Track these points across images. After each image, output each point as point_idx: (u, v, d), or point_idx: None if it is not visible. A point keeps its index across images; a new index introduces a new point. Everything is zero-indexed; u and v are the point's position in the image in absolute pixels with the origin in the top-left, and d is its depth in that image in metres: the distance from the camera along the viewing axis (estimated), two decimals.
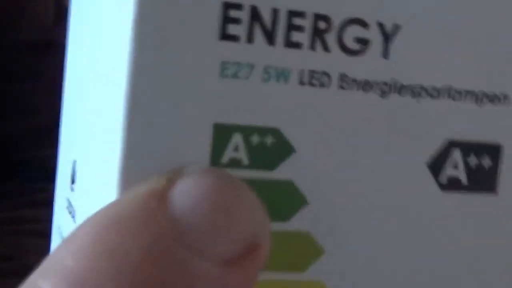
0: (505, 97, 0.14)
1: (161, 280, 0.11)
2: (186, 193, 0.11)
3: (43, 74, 0.32)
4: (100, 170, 0.13)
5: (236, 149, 0.13)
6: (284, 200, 0.13)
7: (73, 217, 0.16)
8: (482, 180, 0.14)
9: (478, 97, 0.14)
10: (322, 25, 0.13)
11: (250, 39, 0.13)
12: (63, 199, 0.17)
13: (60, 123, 0.18)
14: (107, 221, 0.11)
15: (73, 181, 0.16)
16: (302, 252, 0.13)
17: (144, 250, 0.11)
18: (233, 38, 0.12)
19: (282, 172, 0.13)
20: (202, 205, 0.11)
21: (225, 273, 0.11)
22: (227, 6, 0.12)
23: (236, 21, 0.12)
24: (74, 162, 0.16)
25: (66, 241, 0.11)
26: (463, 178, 0.14)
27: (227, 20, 0.12)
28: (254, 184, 0.13)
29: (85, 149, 0.15)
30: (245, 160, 0.13)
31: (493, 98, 0.14)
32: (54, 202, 0.18)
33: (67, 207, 0.16)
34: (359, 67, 0.13)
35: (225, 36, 0.12)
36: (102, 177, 0.13)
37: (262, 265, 0.12)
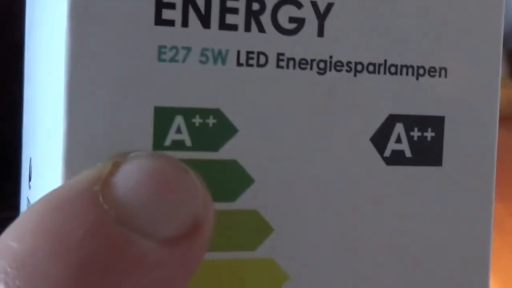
0: (444, 69, 0.14)
1: (102, 258, 0.11)
2: (129, 176, 0.12)
3: None
4: (48, 163, 0.14)
5: (178, 131, 0.13)
6: (229, 180, 0.13)
7: None
8: (427, 153, 0.14)
9: (416, 71, 0.14)
10: (256, 6, 0.13)
11: (185, 23, 0.13)
12: (24, 199, 0.17)
13: None
14: (50, 205, 0.12)
15: (30, 179, 0.16)
16: (251, 230, 0.13)
17: (86, 230, 0.11)
18: (169, 22, 0.13)
19: (226, 152, 0.13)
20: (144, 186, 0.12)
21: (167, 252, 0.11)
22: None
23: (170, 5, 0.13)
24: (30, 160, 0.16)
25: (11, 226, 0.12)
26: (407, 151, 0.14)
27: (161, 5, 0.13)
28: (198, 165, 0.13)
29: (37, 144, 0.15)
30: (188, 141, 0.13)
31: (432, 72, 0.14)
32: None
33: (27, 205, 0.16)
34: (295, 46, 0.13)
35: (160, 21, 0.13)
36: (49, 169, 0.13)
37: (205, 245, 0.12)
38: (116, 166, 0.12)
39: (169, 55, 0.13)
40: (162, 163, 0.12)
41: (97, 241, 0.11)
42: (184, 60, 0.13)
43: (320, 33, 0.14)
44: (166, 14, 0.13)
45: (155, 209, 0.11)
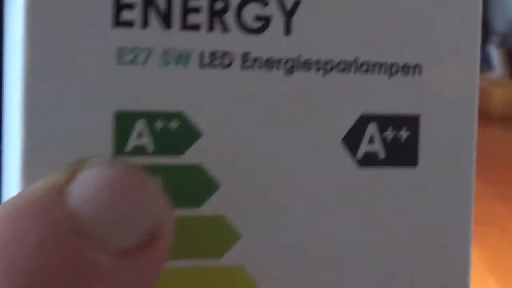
0: (418, 66, 0.14)
1: (54, 269, 0.11)
2: (85, 185, 0.11)
3: None
4: (10, 170, 0.13)
5: (140, 135, 0.13)
6: (195, 185, 0.13)
7: None
8: (401, 153, 0.14)
9: (389, 69, 0.14)
10: (219, 5, 0.13)
11: (145, 23, 0.12)
12: None
13: None
14: (4, 215, 0.11)
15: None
16: (218, 237, 0.13)
17: (39, 240, 0.11)
18: (128, 23, 0.12)
19: (190, 156, 0.13)
20: (100, 195, 0.11)
21: (121, 264, 0.11)
22: None
23: (129, 6, 0.12)
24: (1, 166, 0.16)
25: None
26: (380, 152, 0.14)
27: (120, 6, 0.12)
28: (161, 170, 0.13)
29: (4, 151, 0.15)
30: (150, 146, 0.13)
31: (405, 69, 0.14)
32: None
33: None
34: (261, 46, 0.13)
35: (120, 23, 0.12)
36: (11, 176, 0.13)
37: (164, 255, 0.12)
38: (73, 173, 0.11)
39: (129, 57, 0.12)
40: (119, 171, 0.12)
41: (50, 251, 0.11)
42: (145, 62, 0.12)
43: (287, 31, 0.13)
44: (125, 15, 0.12)
45: (111, 219, 0.11)
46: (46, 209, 0.11)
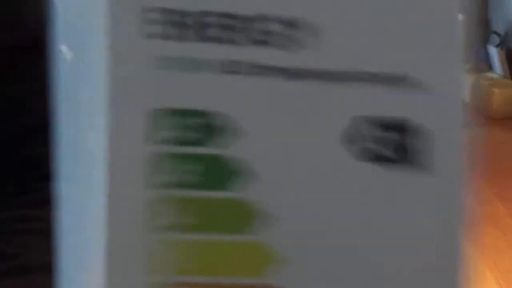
0: (406, 74, 0.16)
1: None
2: None
3: (34, 75, 0.34)
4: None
5: (170, 129, 0.15)
6: (217, 170, 0.15)
7: None
8: (396, 153, 0.16)
9: (381, 78, 0.16)
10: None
11: (179, 36, 0.15)
12: None
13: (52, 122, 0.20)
14: None
15: None
16: (239, 216, 0.15)
17: None
18: (163, 36, 0.15)
19: (234, 150, 0.15)
20: None
21: None
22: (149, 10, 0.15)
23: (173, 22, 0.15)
24: None
25: None
26: (375, 151, 0.16)
27: (151, 21, 0.15)
28: (187, 157, 0.15)
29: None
30: (192, 137, 0.15)
31: (395, 79, 0.16)
32: (53, 201, 0.20)
33: None
34: (267, 56, 0.15)
35: (151, 35, 0.15)
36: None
37: None
38: None
39: (165, 65, 0.15)
40: None
41: None
42: (178, 69, 0.15)
43: (293, 45, 0.15)
44: (155, 29, 0.15)
45: None
46: None
